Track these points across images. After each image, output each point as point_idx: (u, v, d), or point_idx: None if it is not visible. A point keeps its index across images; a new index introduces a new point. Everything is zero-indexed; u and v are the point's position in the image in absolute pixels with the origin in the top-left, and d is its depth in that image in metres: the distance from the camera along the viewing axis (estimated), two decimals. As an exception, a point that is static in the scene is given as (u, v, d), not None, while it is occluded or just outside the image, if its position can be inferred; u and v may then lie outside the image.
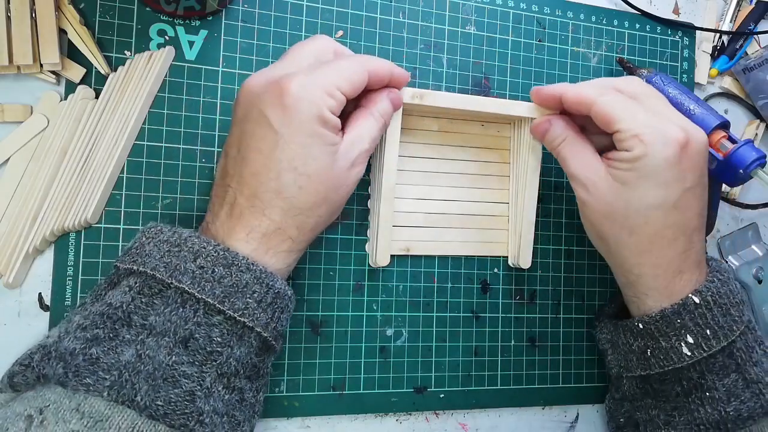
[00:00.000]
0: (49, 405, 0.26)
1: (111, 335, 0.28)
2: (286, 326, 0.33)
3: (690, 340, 0.36)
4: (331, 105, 0.32)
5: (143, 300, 0.29)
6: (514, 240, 0.44)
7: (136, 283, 0.30)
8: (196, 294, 0.29)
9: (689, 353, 0.36)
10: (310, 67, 0.33)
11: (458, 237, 0.43)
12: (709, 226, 0.47)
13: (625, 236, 0.37)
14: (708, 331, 0.36)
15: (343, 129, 0.34)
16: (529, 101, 0.41)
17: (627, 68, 0.47)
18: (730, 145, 0.40)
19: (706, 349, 0.36)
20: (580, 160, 0.38)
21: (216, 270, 0.30)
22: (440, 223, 0.43)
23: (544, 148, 0.42)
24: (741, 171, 0.39)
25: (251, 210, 0.31)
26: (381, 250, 0.39)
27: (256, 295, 0.30)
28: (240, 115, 0.32)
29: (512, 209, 0.44)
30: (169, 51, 0.38)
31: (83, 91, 0.36)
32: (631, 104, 0.36)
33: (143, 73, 0.37)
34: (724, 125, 0.41)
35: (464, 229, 0.43)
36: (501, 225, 0.44)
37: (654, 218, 0.36)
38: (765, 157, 0.39)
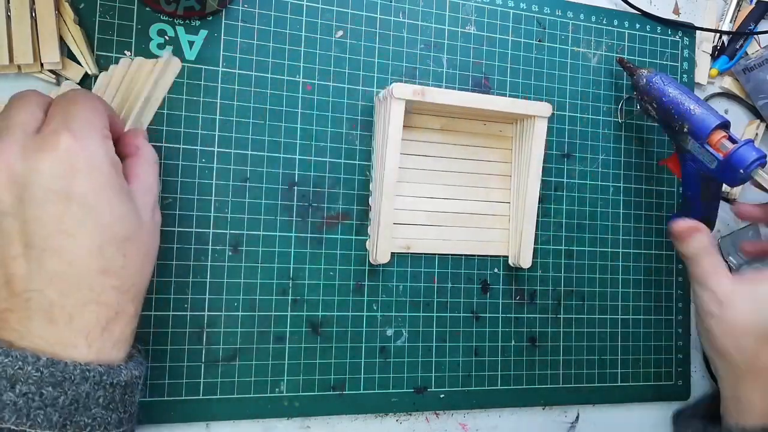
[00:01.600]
0: None
1: None
2: (141, 393, 0.31)
3: None
4: (111, 147, 0.29)
5: None
6: (515, 239, 0.44)
7: None
8: (27, 430, 0.24)
9: None
10: (62, 117, 0.28)
11: (459, 236, 0.43)
12: (710, 226, 0.47)
13: (749, 355, 0.39)
14: None
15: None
16: (530, 100, 0.41)
17: (627, 68, 0.46)
18: (730, 145, 0.40)
19: None
20: (717, 274, 0.40)
21: (45, 393, 0.25)
22: (441, 221, 0.43)
23: (545, 149, 0.42)
24: (741, 171, 0.39)
25: (80, 307, 0.26)
26: (381, 247, 0.39)
27: (101, 400, 0.26)
28: (6, 207, 0.26)
29: (513, 209, 0.44)
30: (175, 63, 0.38)
31: (69, 86, 0.36)
32: None
33: (149, 82, 0.37)
34: (725, 125, 0.41)
35: (465, 227, 0.43)
36: (502, 224, 0.44)
37: None
38: (765, 156, 0.39)
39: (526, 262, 0.43)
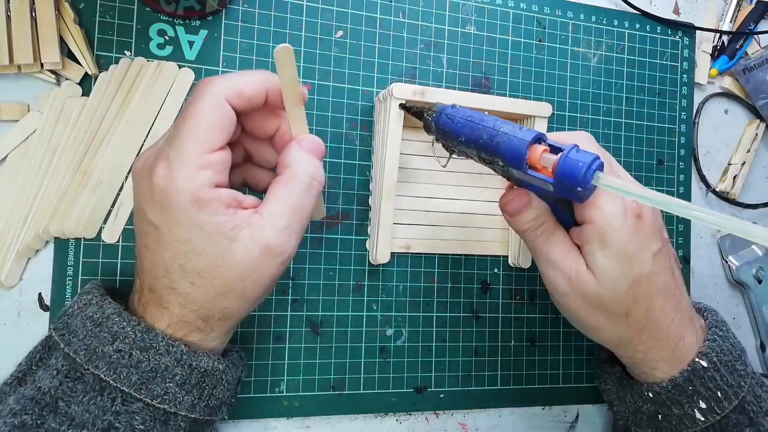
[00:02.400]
0: None
1: (38, 422, 0.27)
2: (227, 396, 0.31)
3: (702, 405, 0.35)
4: (208, 178, 0.27)
5: (69, 385, 0.27)
6: (515, 239, 0.44)
7: (63, 365, 0.28)
8: (111, 382, 0.27)
9: (703, 418, 0.35)
10: (168, 141, 0.28)
11: (459, 235, 0.43)
12: None
13: (623, 320, 0.35)
14: (719, 393, 0.35)
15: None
16: (531, 100, 0.41)
17: (414, 114, 0.38)
18: (553, 159, 0.31)
19: (719, 411, 0.35)
20: (561, 249, 0.35)
21: (134, 354, 0.28)
22: (441, 221, 0.43)
23: None
24: (579, 189, 0.30)
25: (152, 302, 0.29)
26: (381, 247, 0.39)
27: (177, 378, 0.28)
28: (134, 199, 0.30)
29: None
30: (188, 74, 0.38)
31: (68, 87, 0.36)
32: None
33: (155, 88, 0.37)
34: (539, 138, 0.32)
35: (465, 227, 0.43)
36: (502, 224, 0.44)
37: (641, 293, 0.34)
38: (598, 158, 0.31)
39: (526, 262, 0.43)
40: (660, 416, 0.37)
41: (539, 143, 0.32)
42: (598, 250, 0.34)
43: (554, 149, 0.32)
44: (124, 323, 0.28)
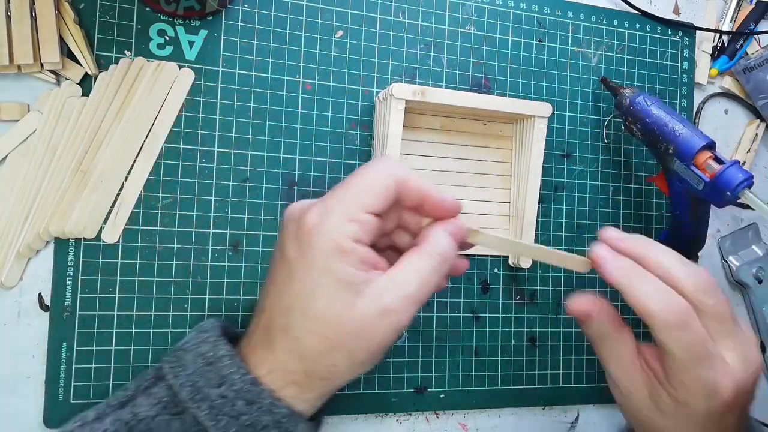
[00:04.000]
0: None
1: None
2: None
3: None
4: (352, 232, 0.28)
5: (165, 418, 0.27)
6: (516, 239, 0.44)
7: (165, 396, 0.28)
8: (210, 428, 0.27)
9: None
10: (334, 190, 0.29)
11: None
12: (699, 244, 0.46)
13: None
14: None
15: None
16: (530, 100, 0.41)
17: (610, 88, 0.46)
18: (716, 167, 0.39)
19: None
20: (619, 362, 0.33)
21: (236, 405, 0.27)
22: None
23: (545, 149, 0.42)
24: (728, 193, 0.38)
25: (263, 343, 0.29)
26: None
27: None
28: (278, 239, 0.31)
29: (513, 208, 0.44)
30: (187, 75, 0.38)
31: (68, 87, 0.36)
32: (707, 344, 0.31)
33: (155, 88, 0.37)
34: (710, 145, 0.40)
35: None
36: (502, 224, 0.44)
37: None
38: (752, 177, 0.39)
39: (526, 262, 0.43)
40: None
41: (709, 150, 0.40)
42: (677, 404, 0.31)
43: (717, 159, 0.40)
44: (233, 369, 0.28)
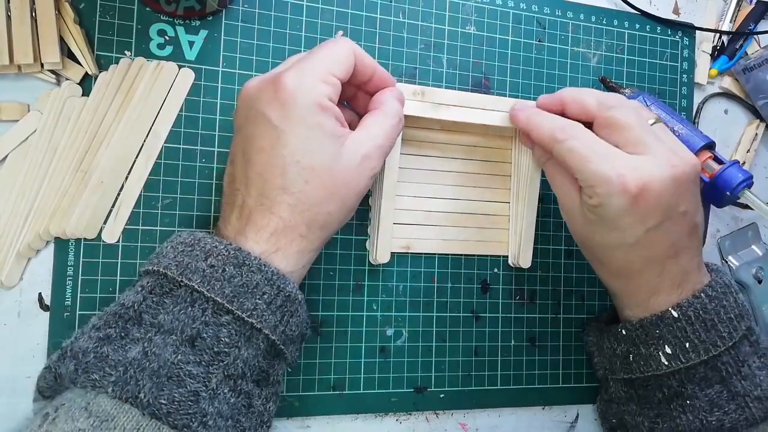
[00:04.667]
0: (64, 403, 0.27)
1: (122, 334, 0.28)
2: (296, 332, 0.32)
3: (668, 350, 0.37)
4: (327, 91, 0.31)
5: (154, 299, 0.29)
6: (515, 239, 0.44)
7: (148, 282, 0.30)
8: (205, 293, 0.29)
9: (666, 362, 0.37)
10: (300, 59, 0.32)
11: (459, 235, 0.43)
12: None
13: (597, 263, 0.40)
14: (687, 344, 0.37)
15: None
16: (531, 100, 0.41)
17: (610, 87, 0.46)
18: (716, 167, 0.39)
19: (683, 360, 0.37)
20: (561, 185, 0.39)
21: (227, 269, 0.29)
22: (441, 221, 0.43)
23: None
24: (728, 193, 0.39)
25: (259, 209, 0.31)
26: (381, 247, 0.39)
27: (266, 296, 0.30)
28: (241, 120, 0.33)
29: (513, 208, 0.44)
30: (188, 74, 0.38)
31: (68, 87, 0.36)
32: (597, 145, 0.36)
33: (154, 88, 0.37)
34: (710, 145, 0.40)
35: (465, 227, 0.43)
36: (502, 224, 0.44)
37: (616, 256, 0.37)
38: (751, 178, 0.39)
39: (526, 261, 0.43)
40: (631, 356, 0.39)
41: (708, 150, 0.40)
42: (588, 207, 0.36)
43: (717, 159, 0.40)
44: (217, 242, 0.30)
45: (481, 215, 0.44)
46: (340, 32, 0.42)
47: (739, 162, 0.39)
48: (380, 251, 0.39)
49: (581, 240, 0.39)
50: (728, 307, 0.38)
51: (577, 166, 0.36)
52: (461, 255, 0.44)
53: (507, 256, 0.45)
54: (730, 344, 0.37)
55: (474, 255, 0.44)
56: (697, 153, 0.40)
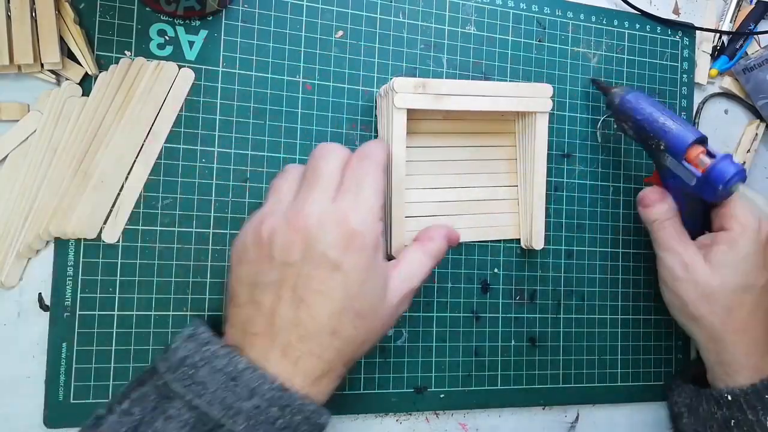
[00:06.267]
0: None
1: None
2: None
3: None
4: (380, 229, 0.31)
5: None
6: (526, 222, 0.44)
7: (190, 418, 0.28)
8: None
9: None
10: (347, 191, 0.31)
11: (470, 223, 0.43)
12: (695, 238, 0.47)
13: (724, 316, 0.39)
14: None
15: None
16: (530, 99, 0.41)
17: (600, 88, 0.46)
18: (708, 161, 0.39)
19: None
20: (684, 242, 0.41)
21: (271, 411, 0.28)
22: (451, 210, 0.43)
23: (549, 136, 0.43)
24: (720, 187, 0.38)
25: (307, 354, 0.30)
26: (396, 241, 0.39)
27: None
28: (295, 256, 0.30)
29: (521, 191, 0.44)
30: (188, 74, 0.38)
31: (68, 87, 0.36)
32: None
33: (154, 88, 0.37)
34: (702, 140, 0.40)
35: (476, 214, 0.44)
36: (512, 208, 0.45)
37: (748, 299, 0.39)
38: (744, 171, 0.38)
39: (538, 243, 0.43)
40: (733, 422, 0.39)
41: (701, 144, 0.39)
42: (724, 250, 0.39)
43: (710, 154, 0.39)
44: (261, 380, 0.29)
45: (491, 201, 0.44)
46: (340, 33, 0.42)
47: (732, 156, 0.39)
48: (395, 245, 0.39)
49: (707, 292, 0.40)
50: None
51: (717, 219, 0.40)
52: (475, 242, 0.44)
53: (508, 255, 0.45)
54: None
55: (486, 241, 0.44)
56: (688, 148, 0.39)
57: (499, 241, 0.45)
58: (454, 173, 0.43)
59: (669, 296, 0.42)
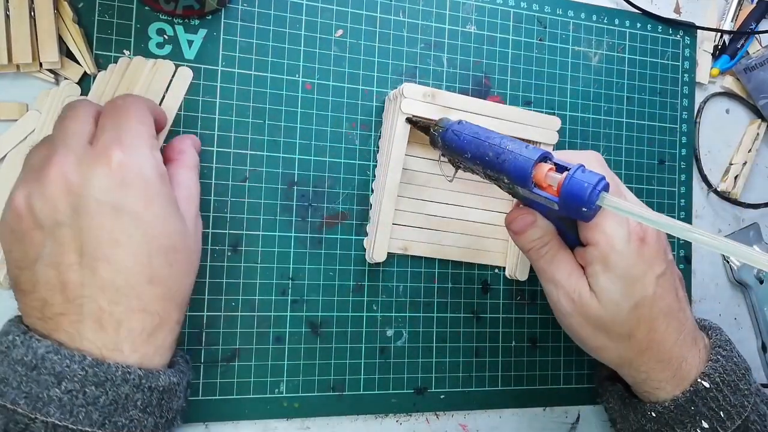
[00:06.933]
0: None
1: None
2: (180, 405, 0.30)
3: (705, 425, 0.35)
4: (159, 158, 0.29)
5: None
6: (513, 252, 0.44)
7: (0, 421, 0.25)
8: (70, 426, 0.25)
9: None
10: (98, 131, 0.28)
11: (457, 242, 0.43)
12: None
13: (625, 341, 0.36)
14: (722, 413, 0.35)
15: None
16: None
17: (419, 128, 0.39)
18: (558, 177, 0.31)
19: (721, 431, 0.35)
20: (565, 269, 0.36)
21: (88, 391, 0.25)
22: (440, 226, 0.42)
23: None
24: (584, 209, 0.30)
25: (128, 315, 0.27)
26: (379, 246, 0.39)
27: (139, 403, 0.27)
28: (65, 213, 0.27)
29: None
30: (186, 73, 0.38)
31: (67, 86, 0.36)
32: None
33: (152, 86, 0.37)
34: (544, 157, 0.32)
35: (464, 234, 0.43)
36: (502, 235, 0.44)
37: (644, 315, 0.35)
38: (604, 178, 0.30)
39: (523, 274, 0.43)
40: None
41: (545, 162, 0.32)
42: (601, 272, 0.34)
43: (560, 168, 0.32)
44: (68, 360, 0.26)
45: (480, 224, 0.43)
46: (340, 32, 0.42)
47: (584, 166, 0.31)
48: (377, 250, 0.39)
49: (601, 323, 0.35)
50: (739, 362, 0.37)
51: (582, 232, 0.35)
52: (459, 262, 0.43)
53: (504, 268, 0.44)
54: (753, 399, 0.36)
55: (472, 264, 0.44)
56: (532, 173, 0.32)
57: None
58: (450, 190, 0.43)
59: (565, 329, 0.38)
